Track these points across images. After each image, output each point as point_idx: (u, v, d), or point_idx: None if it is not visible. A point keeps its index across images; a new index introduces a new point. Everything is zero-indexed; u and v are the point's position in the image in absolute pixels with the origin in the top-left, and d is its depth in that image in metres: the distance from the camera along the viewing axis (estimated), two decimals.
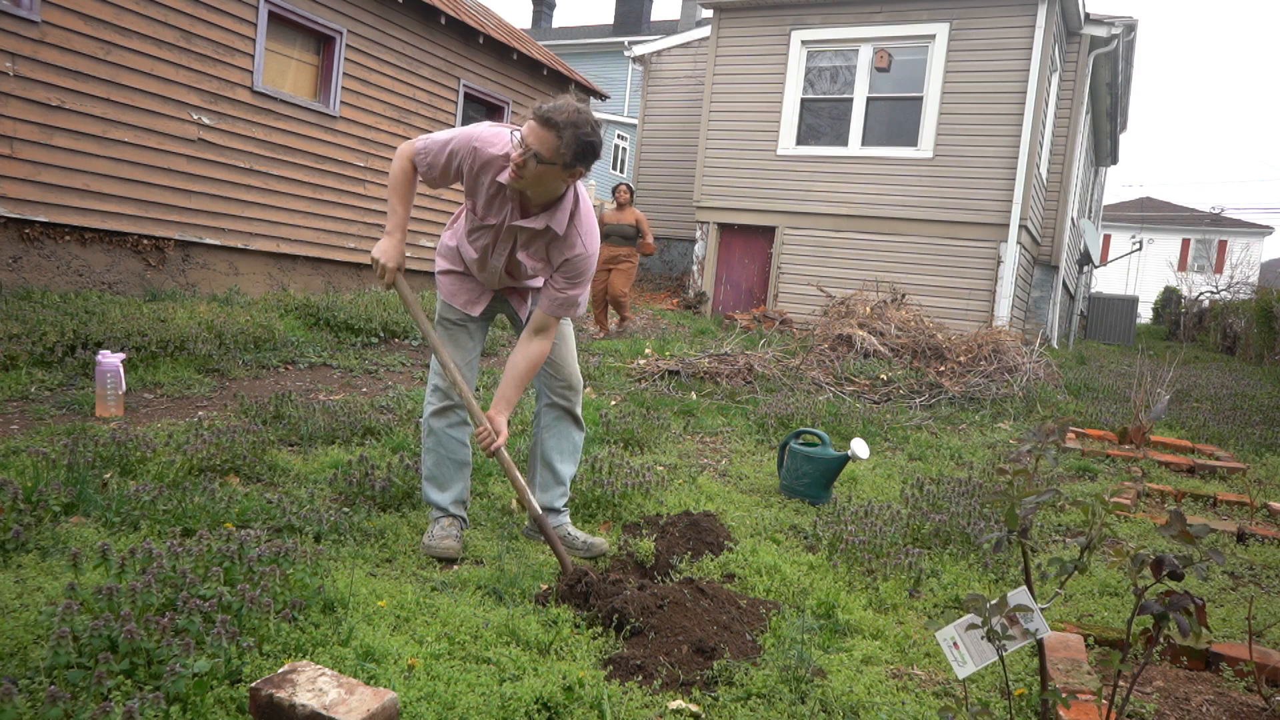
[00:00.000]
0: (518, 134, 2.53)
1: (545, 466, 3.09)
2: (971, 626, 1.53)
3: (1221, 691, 2.29)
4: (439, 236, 11.86)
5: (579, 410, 3.11)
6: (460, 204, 2.99)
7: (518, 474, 2.78)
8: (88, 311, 5.92)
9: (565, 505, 3.12)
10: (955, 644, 1.59)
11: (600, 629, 2.35)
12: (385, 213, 9.72)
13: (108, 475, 3.25)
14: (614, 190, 9.10)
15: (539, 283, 2.96)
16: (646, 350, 8.23)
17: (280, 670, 1.81)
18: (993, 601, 1.52)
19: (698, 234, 12.50)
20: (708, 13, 16.04)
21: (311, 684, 1.76)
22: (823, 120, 11.71)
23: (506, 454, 2.80)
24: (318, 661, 2.00)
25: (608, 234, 8.67)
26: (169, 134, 7.33)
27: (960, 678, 1.60)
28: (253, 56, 8.00)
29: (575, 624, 2.38)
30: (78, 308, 6.03)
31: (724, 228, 12.39)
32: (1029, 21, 10.32)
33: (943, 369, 7.70)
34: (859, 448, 3.96)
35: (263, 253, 8.40)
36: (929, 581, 2.97)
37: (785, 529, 3.49)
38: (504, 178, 2.58)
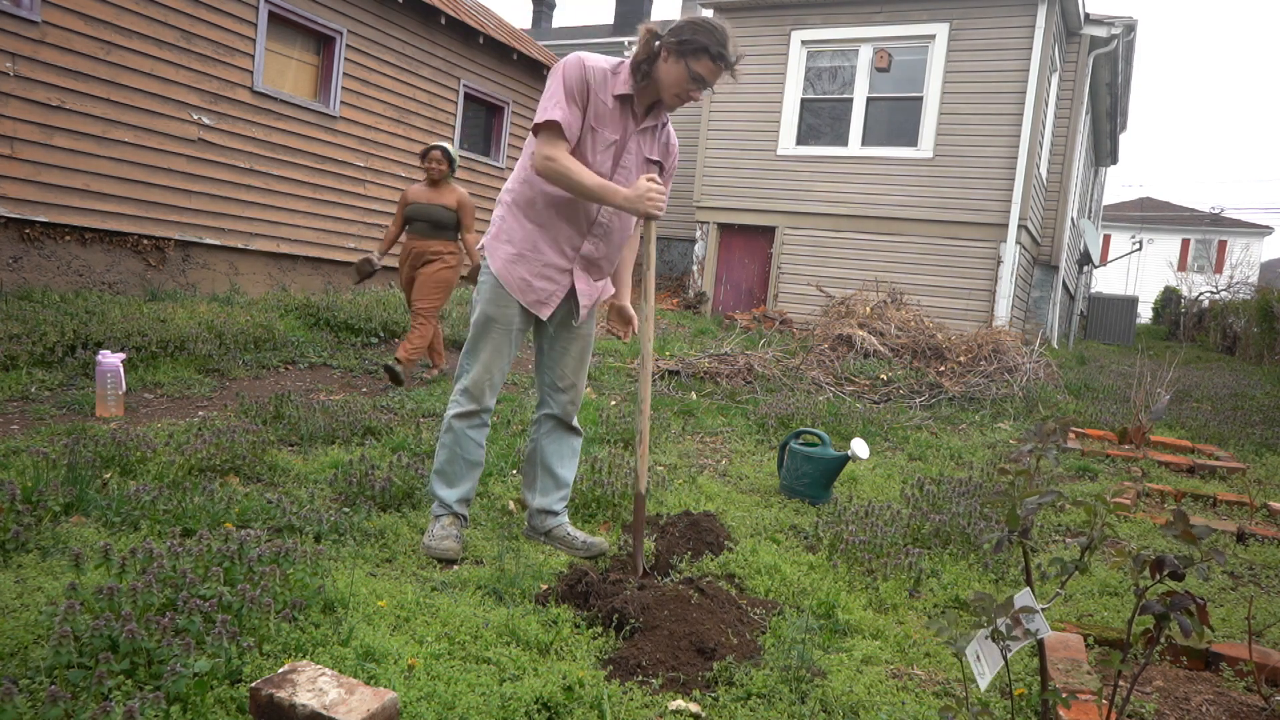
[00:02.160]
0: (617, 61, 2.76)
1: (545, 472, 3.09)
2: (996, 635, 1.51)
3: (1221, 691, 2.29)
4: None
5: (576, 421, 3.12)
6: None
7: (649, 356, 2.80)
8: (88, 311, 5.92)
9: (564, 507, 3.13)
10: (978, 657, 1.57)
11: (600, 629, 2.35)
12: (385, 213, 9.73)
13: (108, 475, 3.25)
14: (423, 155, 6.10)
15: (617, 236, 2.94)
16: None
17: (280, 670, 1.81)
18: (999, 603, 1.52)
19: (698, 234, 12.50)
20: (707, 13, 16.03)
21: (312, 684, 1.76)
22: (823, 120, 11.71)
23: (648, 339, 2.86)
24: (318, 661, 2.00)
25: (411, 217, 6.07)
26: (169, 134, 7.33)
27: (982, 689, 1.59)
28: (253, 56, 8.00)
29: (575, 624, 2.38)
30: (78, 308, 6.03)
31: (724, 228, 12.39)
32: (1029, 21, 10.32)
33: (943, 369, 7.70)
34: (859, 448, 3.96)
35: (263, 253, 8.40)
36: (929, 581, 2.97)
37: (785, 529, 3.49)
38: (675, 95, 2.71)
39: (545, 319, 2.91)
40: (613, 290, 3.10)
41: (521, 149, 11.76)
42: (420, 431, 4.52)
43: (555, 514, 3.09)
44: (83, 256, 6.88)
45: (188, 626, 1.95)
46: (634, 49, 2.73)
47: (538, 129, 2.68)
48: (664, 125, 2.88)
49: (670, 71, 2.66)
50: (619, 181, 2.77)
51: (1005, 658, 1.52)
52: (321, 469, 3.73)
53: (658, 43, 2.67)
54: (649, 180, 2.62)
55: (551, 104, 2.65)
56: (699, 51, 2.62)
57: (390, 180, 9.73)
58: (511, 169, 11.56)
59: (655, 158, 2.86)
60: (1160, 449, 5.73)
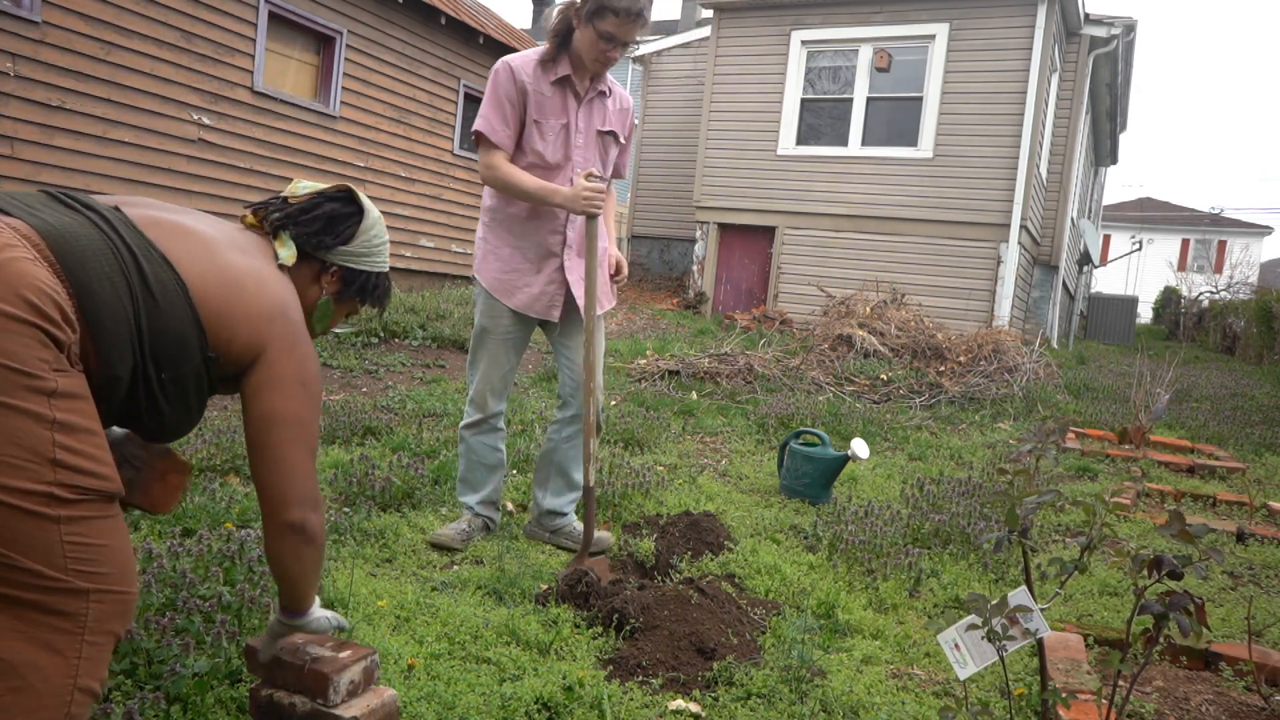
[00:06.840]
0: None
1: (559, 474, 3.09)
2: (972, 627, 1.53)
3: (1221, 691, 2.29)
4: (440, 236, 11.69)
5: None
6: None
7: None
8: None
9: (572, 509, 3.15)
10: (956, 645, 1.59)
11: (600, 629, 2.36)
12: (385, 213, 9.72)
13: None
14: None
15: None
16: (647, 350, 8.24)
17: None
18: (994, 602, 1.52)
19: (698, 234, 12.50)
20: (708, 13, 16.02)
21: None
22: (823, 120, 11.71)
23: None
24: None
25: None
26: (169, 134, 7.33)
27: (961, 679, 1.60)
28: (253, 56, 8.01)
29: (575, 624, 2.38)
30: None
31: (724, 228, 12.38)
32: (1029, 22, 10.32)
33: (943, 369, 7.70)
34: (859, 448, 3.96)
35: None
36: (929, 581, 2.97)
37: (785, 529, 3.49)
38: (610, 56, 2.72)
39: (557, 320, 2.95)
40: (613, 302, 3.10)
41: None
42: (420, 431, 4.52)
43: (564, 515, 3.11)
44: None
45: (187, 626, 1.96)
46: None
47: (476, 141, 2.80)
48: (611, 91, 2.93)
49: (584, 38, 2.73)
50: (576, 160, 2.85)
51: (1003, 657, 1.52)
52: (321, 469, 3.73)
53: (570, 13, 2.75)
54: (586, 179, 2.69)
55: (479, 116, 2.79)
56: (601, 11, 2.65)
57: (390, 180, 9.73)
58: None
59: (609, 128, 2.93)
60: (1160, 449, 5.73)
